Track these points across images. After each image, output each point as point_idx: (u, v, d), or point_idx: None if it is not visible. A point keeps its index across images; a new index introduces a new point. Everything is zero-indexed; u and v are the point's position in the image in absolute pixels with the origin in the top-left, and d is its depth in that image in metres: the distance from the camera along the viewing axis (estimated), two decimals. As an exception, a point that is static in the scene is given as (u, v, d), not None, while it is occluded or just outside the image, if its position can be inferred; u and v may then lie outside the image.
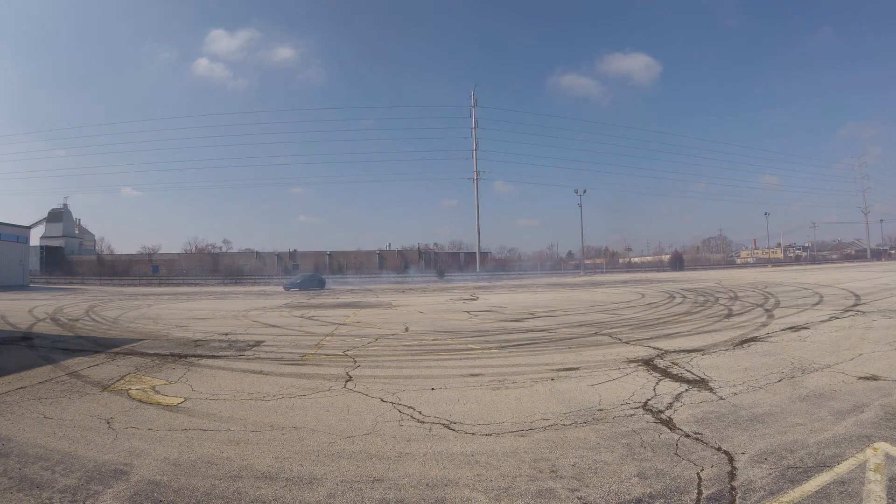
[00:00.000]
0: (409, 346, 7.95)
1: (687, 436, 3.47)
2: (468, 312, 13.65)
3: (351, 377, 5.58)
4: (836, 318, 9.81)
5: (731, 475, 2.81)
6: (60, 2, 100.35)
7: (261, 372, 5.96)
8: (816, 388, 4.63)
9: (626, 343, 7.60)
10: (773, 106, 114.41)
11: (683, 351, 6.76)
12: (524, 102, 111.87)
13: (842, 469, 2.84)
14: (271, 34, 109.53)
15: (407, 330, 9.92)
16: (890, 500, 2.47)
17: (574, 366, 5.99)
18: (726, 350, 6.77)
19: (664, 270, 59.63)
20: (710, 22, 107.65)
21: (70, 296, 24.60)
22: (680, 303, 14.60)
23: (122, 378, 5.61)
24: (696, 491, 2.64)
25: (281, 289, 32.98)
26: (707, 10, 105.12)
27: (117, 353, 7.34)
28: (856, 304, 12.19)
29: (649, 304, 14.79)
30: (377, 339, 8.60)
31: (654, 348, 7.03)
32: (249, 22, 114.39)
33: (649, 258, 77.28)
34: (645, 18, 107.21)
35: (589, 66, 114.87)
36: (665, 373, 5.46)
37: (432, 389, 4.97)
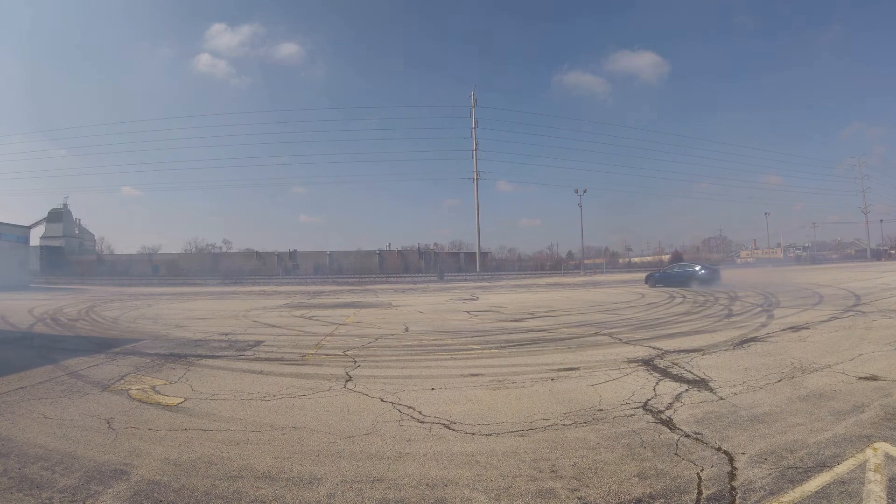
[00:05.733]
0: (409, 345, 7.95)
1: (687, 436, 3.47)
2: (468, 312, 13.65)
3: (351, 377, 5.58)
4: (836, 318, 9.81)
5: (731, 475, 2.81)
6: None
7: (261, 372, 5.96)
8: (816, 388, 4.63)
9: (627, 343, 7.60)
10: (776, 105, 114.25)
11: (683, 351, 6.76)
12: (528, 100, 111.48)
13: (842, 469, 2.84)
14: (274, 30, 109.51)
15: (407, 330, 9.92)
16: (890, 500, 2.47)
17: (574, 366, 5.99)
18: (726, 350, 6.77)
19: (664, 270, 59.45)
20: (718, 19, 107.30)
21: (70, 296, 24.60)
22: (680, 303, 14.60)
23: (122, 378, 5.61)
24: (696, 491, 2.64)
25: (283, 289, 32.45)
26: (716, 6, 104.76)
27: (117, 353, 7.34)
28: (856, 304, 12.19)
29: (649, 304, 14.79)
30: (377, 339, 8.60)
31: (654, 348, 7.03)
32: (252, 17, 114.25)
33: (649, 258, 77.20)
34: (653, 15, 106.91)
35: (596, 63, 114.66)
36: (665, 373, 5.46)
37: (432, 389, 4.97)
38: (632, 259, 77.60)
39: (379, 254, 62.07)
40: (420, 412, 4.20)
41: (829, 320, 9.49)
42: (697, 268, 24.15)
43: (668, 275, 24.91)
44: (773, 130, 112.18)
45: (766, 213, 78.61)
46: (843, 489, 2.60)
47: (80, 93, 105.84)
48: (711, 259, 74.86)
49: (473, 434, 3.65)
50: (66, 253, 59.84)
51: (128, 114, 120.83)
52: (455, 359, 6.73)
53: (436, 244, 68.35)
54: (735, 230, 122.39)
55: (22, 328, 10.82)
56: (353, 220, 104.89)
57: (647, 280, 26.19)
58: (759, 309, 11.93)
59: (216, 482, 2.85)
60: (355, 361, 6.52)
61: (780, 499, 2.53)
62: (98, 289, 35.07)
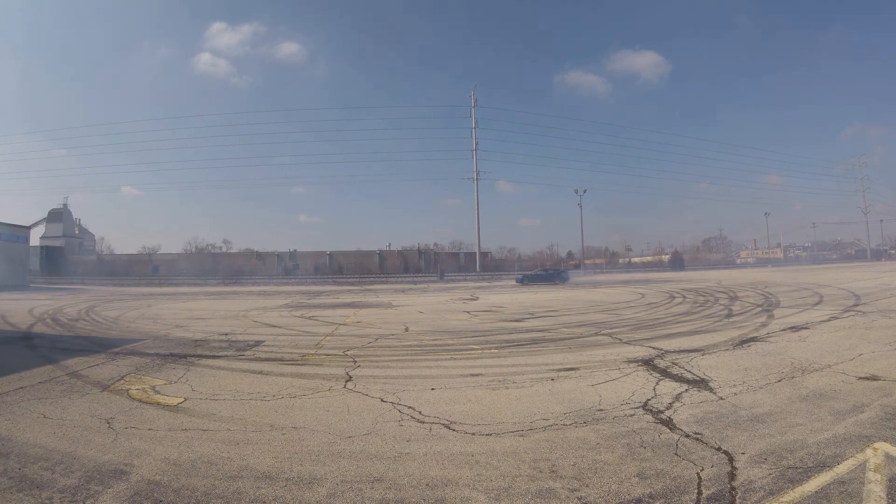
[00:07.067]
0: (409, 346, 7.95)
1: (687, 436, 3.47)
2: (468, 312, 13.65)
3: (351, 377, 5.58)
4: (836, 318, 9.81)
5: (731, 475, 2.81)
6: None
7: (261, 372, 5.96)
8: (816, 388, 4.63)
9: (626, 343, 7.60)
10: (776, 105, 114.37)
11: (683, 351, 6.76)
12: (529, 100, 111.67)
13: (842, 469, 2.84)
14: (274, 29, 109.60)
15: (407, 330, 9.92)
16: (890, 500, 2.47)
17: (574, 366, 5.99)
18: (726, 350, 6.77)
19: (664, 270, 59.66)
20: (719, 19, 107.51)
21: (70, 296, 24.60)
22: (680, 303, 14.60)
23: (122, 378, 5.61)
24: (696, 491, 2.64)
25: (283, 289, 32.77)
26: (717, 6, 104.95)
27: (117, 353, 7.34)
28: (856, 304, 12.19)
29: (649, 304, 14.79)
30: (377, 339, 8.60)
31: (654, 348, 7.03)
32: (253, 16, 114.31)
33: (649, 258, 77.26)
34: (654, 15, 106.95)
35: (597, 63, 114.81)
36: (665, 373, 5.46)
37: (432, 389, 4.97)
38: (632, 259, 77.61)
39: (379, 254, 62.09)
40: (420, 412, 4.19)
41: (828, 320, 9.49)
42: (552, 272, 37.80)
43: (534, 276, 36.36)
44: (773, 130, 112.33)
45: (766, 213, 78.60)
46: (843, 489, 2.60)
47: (80, 92, 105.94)
48: (711, 259, 75.06)
49: (473, 434, 3.65)
50: (66, 253, 59.85)
51: (128, 114, 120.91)
52: (455, 359, 6.73)
53: (436, 244, 68.40)
54: (735, 230, 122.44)
55: (22, 328, 10.82)
56: (353, 220, 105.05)
57: (519, 280, 36.27)
58: (759, 309, 11.93)
59: (216, 482, 2.85)
60: (355, 361, 6.52)
61: (780, 499, 2.53)
62: (98, 289, 35.08)
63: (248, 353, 7.38)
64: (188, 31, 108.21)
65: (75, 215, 66.93)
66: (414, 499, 2.64)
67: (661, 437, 3.47)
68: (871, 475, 2.74)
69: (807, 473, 2.80)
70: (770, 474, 2.80)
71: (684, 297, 16.70)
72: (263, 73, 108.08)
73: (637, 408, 4.18)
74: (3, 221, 36.54)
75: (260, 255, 60.86)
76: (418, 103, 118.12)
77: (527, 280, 35.36)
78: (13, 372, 5.89)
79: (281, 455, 3.27)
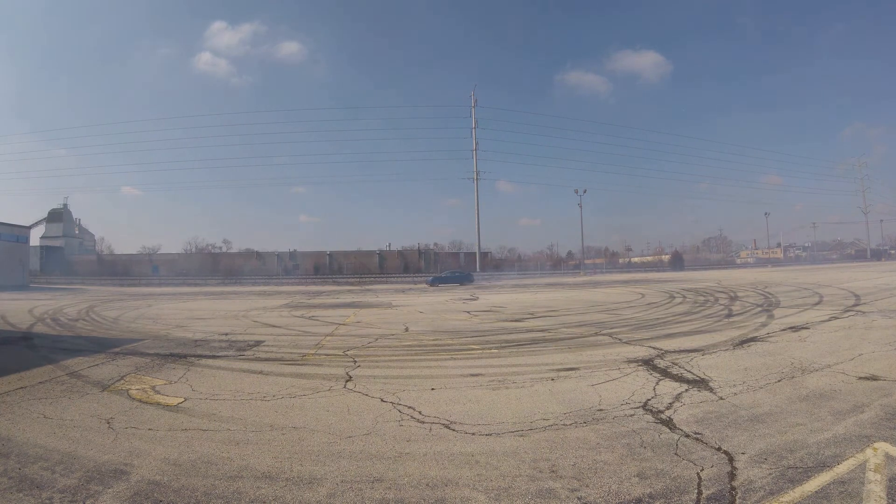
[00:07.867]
0: (409, 346, 7.95)
1: (687, 436, 3.47)
2: (468, 312, 13.65)
3: (351, 377, 5.58)
4: (836, 318, 9.81)
5: (731, 475, 2.81)
6: None
7: (261, 372, 5.96)
8: (816, 388, 4.63)
9: (626, 343, 7.60)
10: (777, 105, 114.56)
11: (683, 351, 6.76)
12: (530, 100, 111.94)
13: (842, 469, 2.84)
14: (275, 28, 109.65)
15: (407, 330, 9.92)
16: (890, 500, 2.47)
17: (574, 366, 5.99)
18: (726, 350, 6.77)
19: (664, 270, 59.71)
20: (720, 19, 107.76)
21: (70, 296, 24.60)
22: (680, 303, 14.59)
23: (122, 378, 5.61)
24: (696, 491, 2.64)
25: (283, 289, 32.81)
26: (718, 6, 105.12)
27: (117, 353, 7.33)
28: (856, 304, 12.19)
29: (649, 304, 14.79)
30: (377, 339, 8.60)
31: (654, 348, 7.03)
32: (253, 15, 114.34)
33: (649, 258, 77.31)
34: (656, 15, 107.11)
35: (598, 63, 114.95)
36: (665, 373, 5.46)
37: (432, 389, 4.97)
38: (632, 259, 77.65)
39: (379, 254, 62.10)
40: (420, 412, 4.19)
41: (828, 320, 9.49)
42: (459, 274, 42.62)
43: (443, 278, 40.76)
44: (773, 130, 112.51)
45: (766, 213, 78.64)
46: (843, 489, 2.60)
47: (80, 92, 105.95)
48: (711, 259, 75.19)
49: (473, 434, 3.65)
50: (66, 253, 59.86)
51: (128, 113, 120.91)
52: (455, 359, 6.73)
53: (436, 244, 68.46)
54: (735, 230, 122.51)
55: (22, 328, 10.82)
56: (353, 220, 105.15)
57: (430, 282, 39.58)
58: (759, 309, 11.93)
59: (216, 482, 2.85)
60: (355, 361, 6.52)
61: (780, 499, 2.52)
62: (98, 289, 35.08)
63: (248, 353, 7.38)
64: (188, 31, 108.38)
65: (75, 215, 67.00)
66: (414, 499, 2.64)
67: (661, 437, 3.47)
68: (871, 475, 2.74)
69: (807, 473, 2.80)
70: (770, 474, 2.80)
71: (684, 297, 16.70)
72: (263, 73, 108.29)
73: (637, 408, 4.18)
74: (3, 221, 36.54)
75: (260, 255, 60.87)
76: (418, 103, 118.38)
77: (437, 281, 39.51)
78: (13, 372, 5.89)
79: (281, 455, 3.27)
